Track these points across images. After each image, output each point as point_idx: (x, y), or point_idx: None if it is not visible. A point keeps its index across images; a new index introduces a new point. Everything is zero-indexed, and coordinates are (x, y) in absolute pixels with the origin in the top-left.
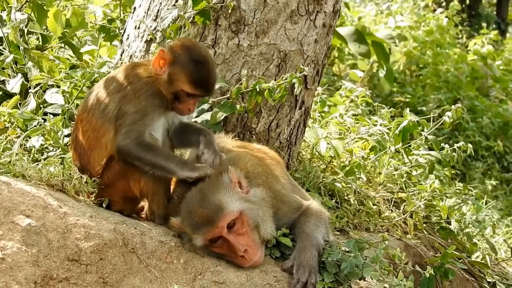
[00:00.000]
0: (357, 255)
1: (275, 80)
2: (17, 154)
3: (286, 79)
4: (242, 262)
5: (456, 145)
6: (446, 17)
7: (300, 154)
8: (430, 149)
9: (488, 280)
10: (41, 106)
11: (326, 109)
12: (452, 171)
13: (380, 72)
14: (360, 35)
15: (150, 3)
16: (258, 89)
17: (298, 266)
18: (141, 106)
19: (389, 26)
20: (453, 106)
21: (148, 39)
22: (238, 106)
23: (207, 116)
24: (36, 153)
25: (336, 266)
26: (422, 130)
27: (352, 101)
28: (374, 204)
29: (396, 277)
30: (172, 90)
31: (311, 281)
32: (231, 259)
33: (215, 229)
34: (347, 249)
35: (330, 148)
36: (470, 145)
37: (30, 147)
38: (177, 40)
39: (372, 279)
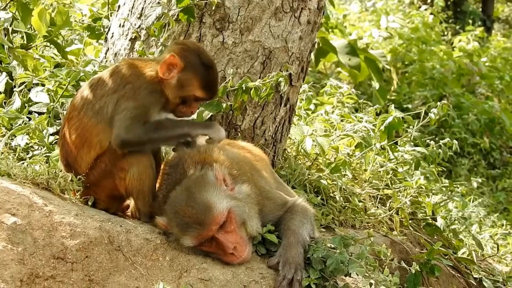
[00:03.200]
0: (343, 251)
1: (260, 77)
2: (2, 153)
3: (272, 77)
4: (231, 259)
5: (441, 142)
6: (431, 14)
7: (286, 151)
8: (416, 146)
9: (475, 276)
10: (26, 105)
11: (312, 107)
12: (438, 168)
13: (373, 84)
14: (352, 49)
15: (134, 1)
16: (244, 88)
17: (284, 263)
18: (142, 102)
19: (381, 26)
20: (438, 103)
21: (133, 37)
22: (224, 105)
23: (193, 115)
24: (21, 152)
25: (322, 263)
26: (408, 127)
27: (339, 101)
28: (360, 201)
29: (382, 273)
30: (182, 94)
31: (297, 277)
32: (219, 257)
33: (207, 231)
34: (332, 246)
35: (315, 145)
36: (455, 141)
37: (15, 146)
38: (181, 44)
39: (358, 275)
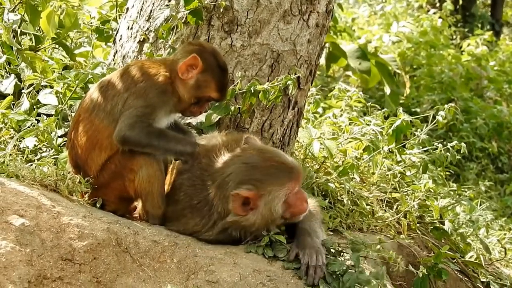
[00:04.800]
0: (363, 270)
1: (268, 80)
2: (10, 154)
3: (280, 80)
4: (306, 208)
5: (449, 145)
6: (440, 17)
7: (294, 154)
8: (424, 149)
9: (482, 280)
10: (35, 106)
11: (320, 110)
12: (446, 172)
13: (385, 89)
14: (363, 53)
15: (143, 4)
16: (252, 91)
17: (303, 252)
18: (152, 102)
19: (391, 31)
20: (446, 106)
21: (141, 39)
22: (232, 108)
23: (201, 117)
24: (30, 154)
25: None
26: (416, 131)
27: (347, 104)
28: (367, 204)
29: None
30: (197, 95)
31: (319, 263)
32: (293, 210)
33: (301, 177)
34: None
35: (323, 148)
36: (463, 145)
37: (23, 147)
38: (198, 45)
39: None
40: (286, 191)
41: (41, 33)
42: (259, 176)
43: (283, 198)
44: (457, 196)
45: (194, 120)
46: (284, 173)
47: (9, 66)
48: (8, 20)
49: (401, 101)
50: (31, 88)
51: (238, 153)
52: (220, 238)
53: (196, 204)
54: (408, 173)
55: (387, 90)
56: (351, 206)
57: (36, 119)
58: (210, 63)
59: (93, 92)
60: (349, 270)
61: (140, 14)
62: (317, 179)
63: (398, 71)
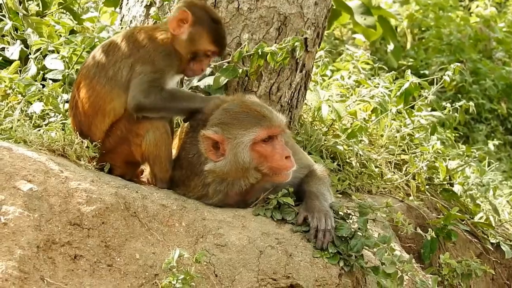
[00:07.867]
0: (370, 235)
1: (275, 43)
2: (18, 120)
3: (288, 42)
4: (287, 165)
5: (457, 104)
6: None
7: (302, 117)
8: (433, 110)
9: (492, 241)
10: (41, 72)
11: (328, 72)
12: (455, 133)
13: (388, 47)
14: (366, 9)
15: None
16: (260, 53)
17: (312, 215)
18: (159, 66)
19: None
20: (452, 65)
21: (148, 3)
22: (240, 70)
23: (209, 80)
24: (38, 119)
25: (345, 241)
26: (424, 93)
27: (355, 67)
28: (376, 167)
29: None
30: (193, 49)
31: (328, 227)
32: (270, 164)
33: (275, 128)
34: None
35: (331, 111)
36: (472, 104)
37: (31, 113)
38: (188, 1)
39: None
40: (251, 136)
41: None
42: (228, 120)
43: (248, 144)
44: (466, 158)
45: (202, 83)
46: (253, 119)
47: (16, 32)
48: None
49: (409, 63)
50: (37, 53)
51: (223, 109)
52: (223, 201)
53: (191, 158)
54: (416, 135)
55: (390, 46)
56: (359, 169)
57: (41, 84)
58: (200, 16)
59: (93, 57)
60: (357, 233)
61: None
62: (325, 142)
63: (400, 20)
